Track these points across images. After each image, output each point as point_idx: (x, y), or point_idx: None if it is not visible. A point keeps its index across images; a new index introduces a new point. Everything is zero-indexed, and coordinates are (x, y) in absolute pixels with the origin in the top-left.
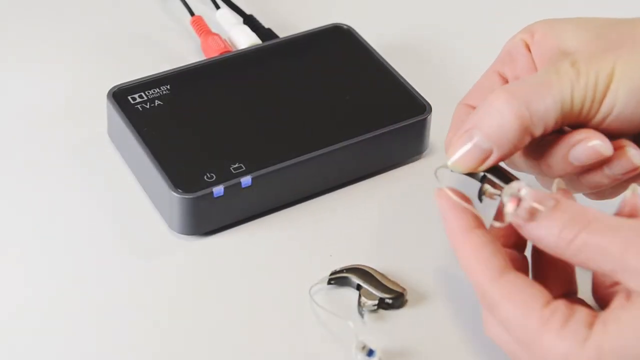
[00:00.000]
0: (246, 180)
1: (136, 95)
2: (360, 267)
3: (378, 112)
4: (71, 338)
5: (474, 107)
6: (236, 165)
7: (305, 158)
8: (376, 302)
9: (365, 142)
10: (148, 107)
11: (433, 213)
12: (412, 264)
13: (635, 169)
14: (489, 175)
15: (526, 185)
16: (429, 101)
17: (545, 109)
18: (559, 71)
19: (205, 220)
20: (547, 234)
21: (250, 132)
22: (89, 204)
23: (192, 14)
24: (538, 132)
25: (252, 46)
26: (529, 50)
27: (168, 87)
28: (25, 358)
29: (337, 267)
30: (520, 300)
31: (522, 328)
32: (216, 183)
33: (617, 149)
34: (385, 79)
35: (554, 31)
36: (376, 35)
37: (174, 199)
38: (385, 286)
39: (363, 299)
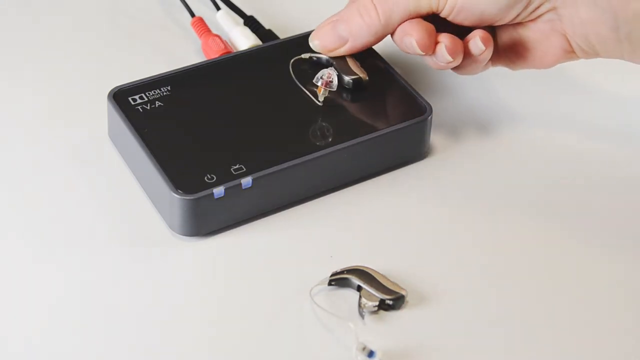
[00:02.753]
0: (247, 182)
1: (137, 97)
2: (360, 268)
3: (379, 114)
4: (71, 338)
5: None
6: (237, 167)
7: (305, 159)
8: (377, 303)
9: (365, 144)
10: (148, 108)
11: (433, 214)
12: (412, 265)
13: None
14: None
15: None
16: (429, 102)
17: (399, 9)
18: None
19: (205, 222)
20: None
21: (251, 133)
22: (89, 205)
23: (192, 15)
24: (389, 25)
25: (253, 47)
26: None
27: (168, 88)
28: (26, 358)
29: (338, 269)
30: None
31: None
32: (217, 184)
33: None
34: (386, 80)
35: None
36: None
37: (175, 200)
38: (386, 287)
39: (363, 300)
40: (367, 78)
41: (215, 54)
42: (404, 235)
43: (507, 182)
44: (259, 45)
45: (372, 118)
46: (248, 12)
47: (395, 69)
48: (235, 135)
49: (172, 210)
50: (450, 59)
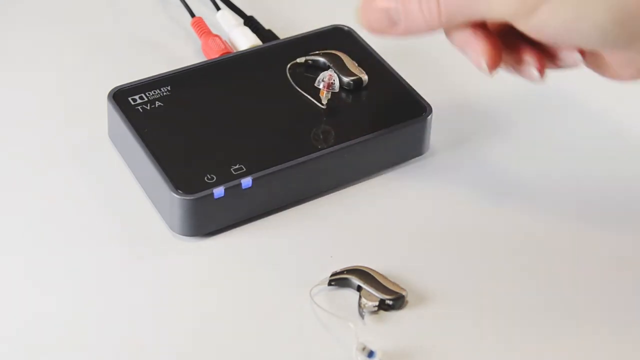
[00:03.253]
0: (247, 182)
1: (137, 97)
2: (360, 268)
3: (379, 113)
4: (71, 339)
5: None
6: (237, 167)
7: (305, 159)
8: (377, 303)
9: (365, 143)
10: (148, 108)
11: (434, 214)
12: (412, 265)
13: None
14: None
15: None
16: (429, 102)
17: (460, 4)
18: None
19: (205, 222)
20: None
21: (251, 134)
22: (89, 205)
23: (192, 15)
24: (449, 23)
25: (253, 47)
26: None
27: (168, 88)
28: (26, 358)
29: (338, 269)
30: None
31: None
32: (217, 184)
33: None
34: (386, 80)
35: None
36: (377, 37)
37: (175, 200)
38: (386, 287)
39: (363, 300)
40: (367, 78)
41: (215, 54)
42: (404, 235)
43: (507, 181)
44: (259, 46)
45: (372, 118)
46: (248, 12)
47: (395, 69)
48: (235, 135)
49: (172, 210)
50: (540, 78)
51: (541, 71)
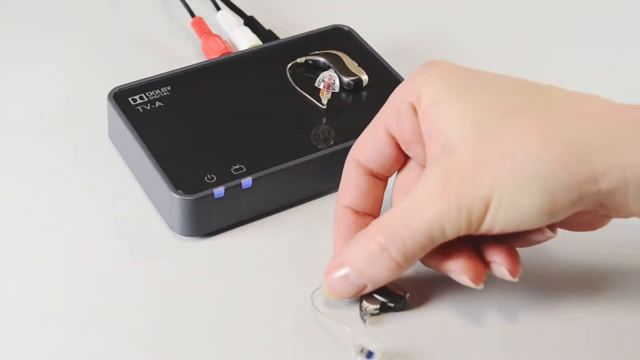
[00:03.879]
0: (247, 182)
1: (137, 97)
2: None
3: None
4: (71, 339)
5: (362, 165)
6: (237, 167)
7: (305, 159)
8: (378, 306)
9: None
10: (149, 108)
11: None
12: (412, 267)
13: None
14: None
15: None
16: None
17: (414, 249)
18: (429, 204)
19: (205, 222)
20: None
21: (251, 133)
22: (89, 205)
23: (192, 15)
24: (411, 265)
25: (253, 47)
26: (416, 113)
27: (168, 88)
28: (25, 358)
29: None
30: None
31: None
32: (217, 184)
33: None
34: (386, 80)
35: (440, 108)
36: (377, 36)
37: (175, 200)
38: (387, 290)
39: (365, 303)
40: (367, 78)
41: (215, 54)
42: None
43: None
44: (259, 46)
45: (372, 118)
46: (248, 12)
47: (395, 69)
48: (235, 135)
49: (172, 210)
50: (515, 279)
51: (513, 271)
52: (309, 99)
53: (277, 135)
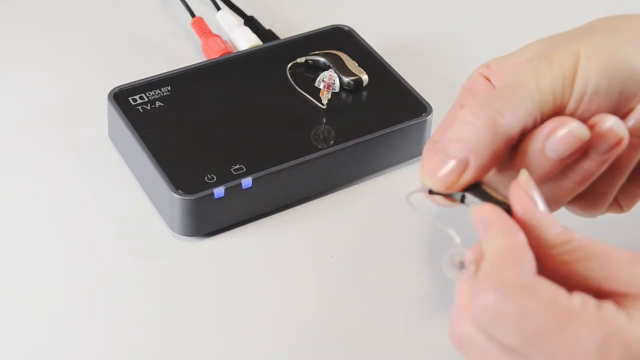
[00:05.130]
0: (247, 182)
1: (137, 97)
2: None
3: (379, 113)
4: (71, 339)
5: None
6: (237, 167)
7: (305, 159)
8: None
9: (365, 143)
10: (149, 108)
11: (433, 214)
12: (412, 266)
13: (620, 140)
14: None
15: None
16: (429, 102)
17: (514, 105)
18: (520, 71)
19: (205, 222)
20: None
21: (251, 133)
22: (89, 205)
23: (192, 15)
24: (515, 132)
25: (253, 47)
26: (489, 80)
27: (169, 88)
28: (25, 358)
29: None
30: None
31: (544, 317)
32: (217, 184)
33: (593, 127)
34: (386, 80)
35: (510, 59)
36: (377, 36)
37: (175, 200)
38: (489, 195)
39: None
40: (367, 78)
41: (215, 54)
42: (404, 235)
43: None
44: (259, 45)
45: (372, 118)
46: (248, 12)
47: (395, 69)
48: (235, 135)
49: (172, 210)
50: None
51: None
52: (309, 99)
53: (277, 135)
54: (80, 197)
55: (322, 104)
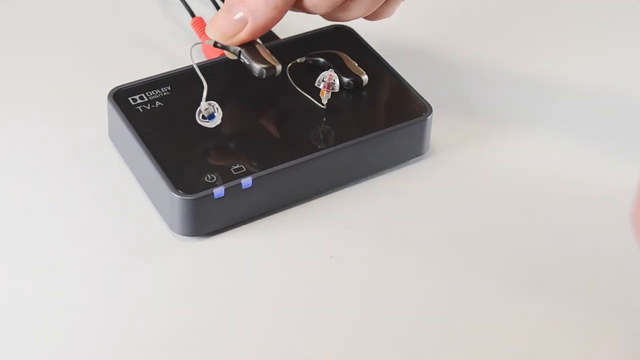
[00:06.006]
0: (247, 182)
1: (137, 97)
2: None
3: (379, 113)
4: (71, 339)
5: None
6: (237, 167)
7: (305, 159)
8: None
9: (366, 143)
10: (149, 108)
11: (433, 214)
12: (412, 265)
13: None
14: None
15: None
16: (429, 102)
17: None
18: None
19: (205, 222)
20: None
21: (251, 134)
22: (89, 205)
23: (192, 15)
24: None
25: None
26: None
27: (169, 88)
28: (25, 358)
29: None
30: None
31: None
32: (217, 184)
33: None
34: (386, 80)
35: None
36: (377, 36)
37: (175, 200)
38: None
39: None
40: (367, 78)
41: (215, 54)
42: (404, 235)
43: (507, 181)
44: None
45: (372, 118)
46: None
47: (395, 69)
48: (235, 135)
49: (172, 210)
50: None
51: None
52: (309, 99)
53: (277, 135)
54: (80, 197)
55: (322, 104)
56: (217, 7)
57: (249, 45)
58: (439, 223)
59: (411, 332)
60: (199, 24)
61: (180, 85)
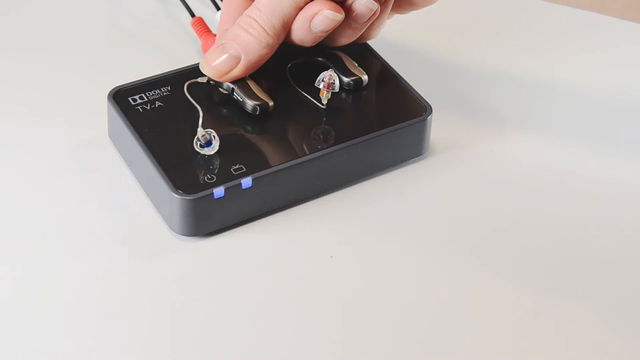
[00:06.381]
0: (246, 182)
1: (137, 97)
2: None
3: (379, 114)
4: (71, 339)
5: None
6: (236, 167)
7: (305, 159)
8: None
9: (365, 143)
10: (148, 108)
11: (433, 214)
12: (412, 265)
13: (375, 12)
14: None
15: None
16: (429, 102)
17: (280, 19)
18: None
19: (205, 222)
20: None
21: (251, 134)
22: (89, 205)
23: (192, 15)
24: (281, 36)
25: None
26: None
27: (168, 88)
28: (24, 358)
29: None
30: None
31: None
32: (217, 184)
33: (351, 4)
34: (386, 80)
35: None
36: (377, 37)
37: (175, 200)
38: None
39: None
40: (367, 78)
41: None
42: (404, 235)
43: (507, 181)
44: None
45: (372, 118)
46: None
47: (395, 69)
48: (235, 135)
49: (172, 211)
50: (376, 5)
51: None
52: (309, 99)
53: (277, 135)
54: (80, 197)
55: (322, 104)
56: (217, 8)
57: (241, 82)
58: (439, 223)
59: (411, 332)
60: (199, 24)
61: (180, 85)
